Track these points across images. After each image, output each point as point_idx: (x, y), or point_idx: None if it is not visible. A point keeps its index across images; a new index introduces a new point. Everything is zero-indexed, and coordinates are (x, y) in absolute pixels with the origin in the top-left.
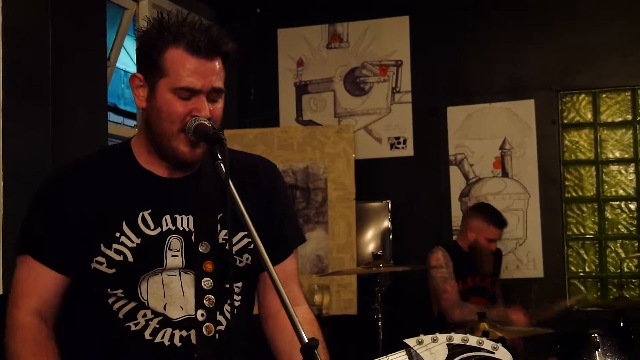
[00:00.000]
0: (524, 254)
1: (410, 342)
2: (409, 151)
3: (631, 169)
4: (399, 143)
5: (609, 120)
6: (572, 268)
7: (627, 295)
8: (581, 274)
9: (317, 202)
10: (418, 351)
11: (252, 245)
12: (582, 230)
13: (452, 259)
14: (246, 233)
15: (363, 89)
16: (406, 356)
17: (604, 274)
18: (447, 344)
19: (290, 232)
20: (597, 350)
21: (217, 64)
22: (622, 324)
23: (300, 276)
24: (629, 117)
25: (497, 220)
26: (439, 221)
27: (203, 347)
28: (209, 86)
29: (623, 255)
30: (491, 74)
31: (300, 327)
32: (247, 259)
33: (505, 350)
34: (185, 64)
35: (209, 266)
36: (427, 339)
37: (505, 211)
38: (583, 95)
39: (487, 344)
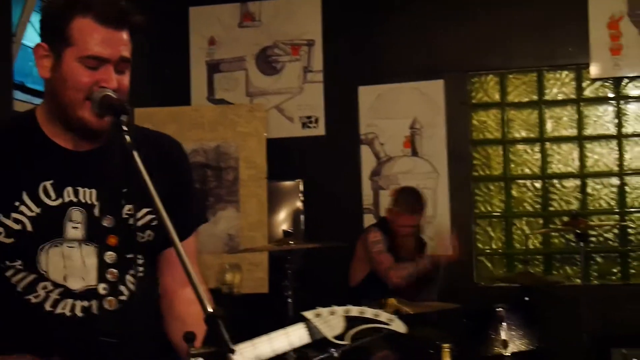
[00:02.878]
0: (433, 232)
1: (308, 314)
2: (320, 130)
3: (537, 148)
4: (310, 122)
5: (516, 100)
6: (480, 245)
7: (532, 271)
8: (488, 251)
9: (228, 181)
10: (316, 323)
11: (156, 222)
12: (490, 208)
13: (383, 237)
14: (150, 209)
15: (275, 68)
16: (305, 329)
17: (510, 251)
18: (345, 316)
19: (193, 212)
20: (502, 324)
21: (125, 35)
22: (526, 298)
23: (211, 255)
24: (535, 97)
25: (408, 207)
26: (350, 200)
27: (105, 320)
28: (117, 56)
29: (528, 232)
30: (402, 54)
31: (204, 298)
32: (149, 236)
33: (401, 322)
34: (93, 33)
35: (112, 240)
36: (324, 311)
37: None
38: (491, 76)
39: (383, 316)
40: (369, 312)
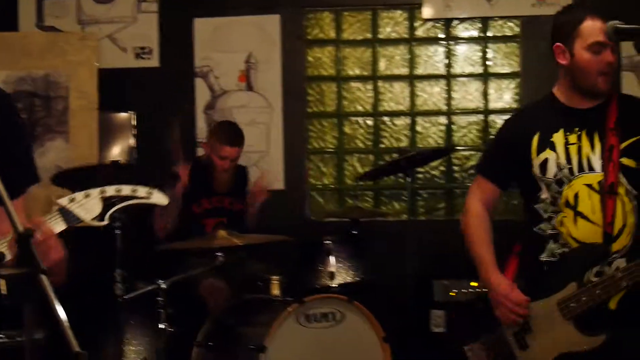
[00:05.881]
0: (266, 167)
1: (63, 201)
2: (154, 62)
3: (369, 86)
4: (144, 53)
5: (351, 38)
6: (312, 180)
7: (361, 206)
8: (320, 186)
9: (57, 111)
10: (71, 209)
11: None
12: (323, 144)
13: (193, 177)
14: None
15: None
16: (59, 215)
17: (342, 186)
18: (101, 197)
19: (23, 171)
20: (330, 257)
21: None
22: (354, 232)
23: (38, 188)
24: (369, 36)
25: (228, 138)
26: (184, 133)
27: None
28: None
29: (359, 168)
30: None
31: (17, 222)
32: None
33: (160, 194)
34: None
35: None
36: (79, 195)
37: (249, 124)
38: (327, 13)
39: (142, 191)
40: (126, 190)
